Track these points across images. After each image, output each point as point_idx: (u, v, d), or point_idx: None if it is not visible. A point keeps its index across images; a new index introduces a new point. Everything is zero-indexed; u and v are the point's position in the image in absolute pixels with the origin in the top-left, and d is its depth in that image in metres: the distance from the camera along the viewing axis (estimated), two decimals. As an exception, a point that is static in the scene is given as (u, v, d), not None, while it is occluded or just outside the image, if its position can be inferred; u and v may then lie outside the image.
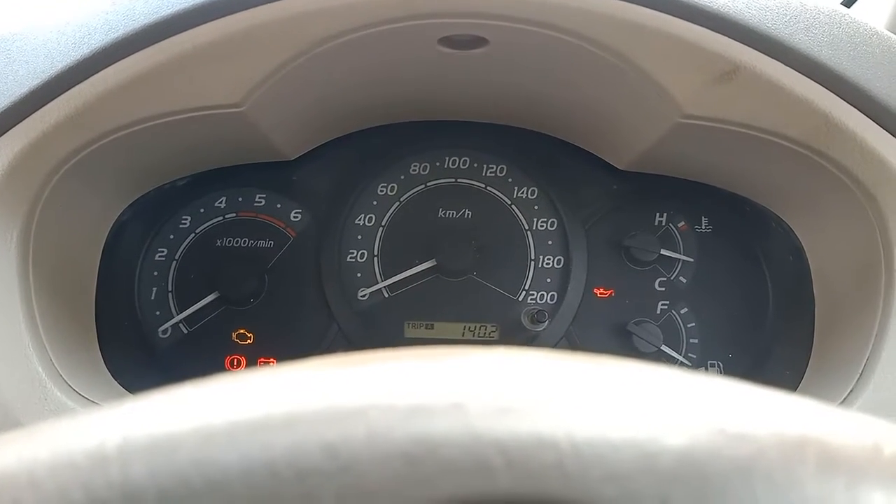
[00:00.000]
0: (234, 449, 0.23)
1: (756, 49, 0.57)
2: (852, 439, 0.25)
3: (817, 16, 0.59)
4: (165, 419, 0.25)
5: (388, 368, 0.27)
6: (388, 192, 0.88)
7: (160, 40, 0.58)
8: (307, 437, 0.23)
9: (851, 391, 0.63)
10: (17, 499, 0.23)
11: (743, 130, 0.63)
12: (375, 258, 0.87)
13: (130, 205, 0.80)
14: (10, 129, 0.61)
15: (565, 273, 0.86)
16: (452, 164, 0.88)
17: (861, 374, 0.63)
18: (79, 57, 0.60)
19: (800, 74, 0.58)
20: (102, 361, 0.74)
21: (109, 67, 0.59)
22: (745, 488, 0.23)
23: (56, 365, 0.65)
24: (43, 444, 0.25)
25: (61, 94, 0.61)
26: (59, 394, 0.63)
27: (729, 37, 0.56)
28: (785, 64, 0.57)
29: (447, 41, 0.63)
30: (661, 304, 0.85)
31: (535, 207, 0.87)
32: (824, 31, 0.59)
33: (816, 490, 0.23)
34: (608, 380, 0.27)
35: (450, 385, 0.26)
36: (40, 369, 0.63)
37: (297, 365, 0.28)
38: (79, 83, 0.60)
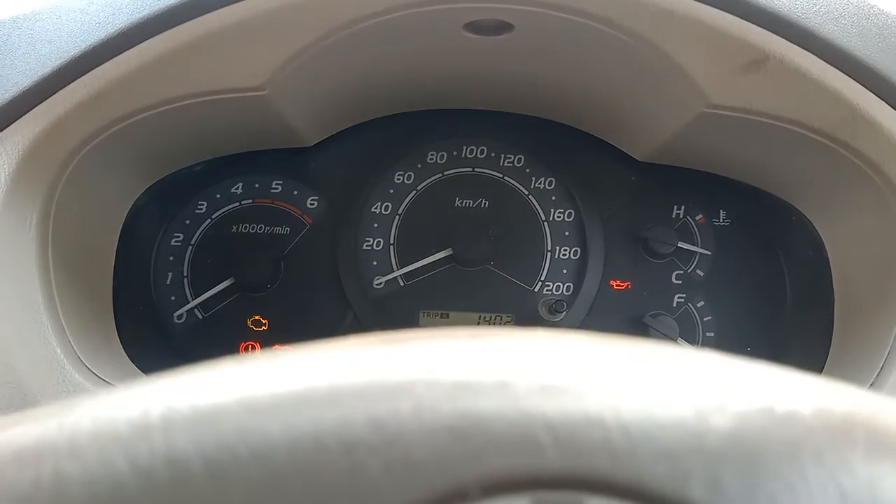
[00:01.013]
0: (280, 420, 0.23)
1: (785, 38, 0.56)
2: (900, 422, 0.25)
3: (846, 6, 0.59)
4: (209, 391, 0.24)
5: (431, 345, 0.26)
6: (406, 181, 0.88)
7: (185, 21, 0.58)
8: (354, 411, 0.23)
9: (871, 385, 0.63)
10: (59, 467, 0.23)
11: (768, 121, 0.62)
12: (391, 246, 0.87)
13: (147, 189, 0.80)
14: (32, 109, 0.61)
15: (582, 264, 0.85)
16: (470, 154, 0.88)
17: (881, 369, 0.63)
18: (103, 37, 0.59)
19: (828, 65, 0.57)
20: (120, 344, 0.74)
21: (133, 48, 0.59)
22: (794, 468, 0.23)
23: (74, 347, 0.65)
24: (84, 413, 0.24)
25: (84, 74, 0.60)
26: (77, 375, 0.63)
27: (758, 25, 0.56)
28: (813, 54, 0.57)
29: (472, 27, 0.63)
30: (678, 297, 0.85)
31: (553, 198, 0.87)
32: (853, 21, 0.58)
33: (866, 471, 0.23)
34: (652, 361, 0.27)
35: (495, 362, 0.25)
36: (59, 351, 0.62)
37: (337, 342, 0.28)
38: (102, 64, 0.60)
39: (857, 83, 0.58)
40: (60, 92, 0.61)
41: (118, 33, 0.59)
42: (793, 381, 0.26)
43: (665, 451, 0.23)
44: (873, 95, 0.59)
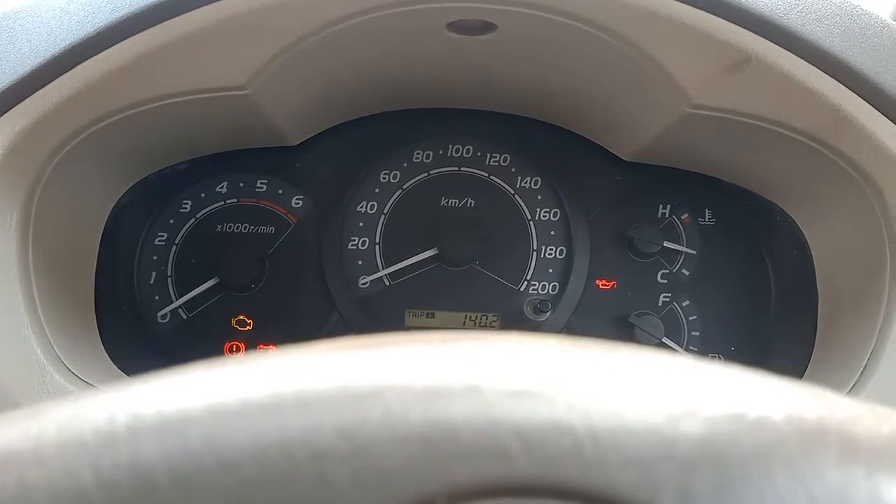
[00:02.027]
0: (247, 429, 0.23)
1: (768, 39, 0.56)
2: (872, 427, 0.25)
3: (829, 6, 0.59)
4: (175, 398, 0.24)
5: (402, 351, 0.26)
6: (391, 180, 0.87)
7: (165, 20, 0.57)
8: (321, 419, 0.23)
9: (855, 385, 0.63)
10: (23, 476, 0.22)
11: (751, 122, 0.62)
12: (377, 246, 0.86)
13: (130, 188, 0.80)
14: (12, 108, 0.61)
15: (567, 264, 0.85)
16: (456, 153, 0.88)
17: (864, 368, 0.63)
18: (82, 36, 0.59)
19: (811, 66, 0.57)
20: (102, 345, 0.74)
21: (113, 47, 0.59)
22: (765, 475, 0.23)
23: (55, 348, 0.64)
24: (50, 421, 0.24)
25: (64, 73, 0.60)
26: (57, 377, 0.62)
27: (741, 26, 0.55)
28: (796, 55, 0.57)
29: (455, 26, 0.63)
30: (664, 297, 0.85)
31: (539, 197, 0.87)
32: (836, 22, 0.58)
33: (837, 478, 0.23)
34: (624, 366, 0.27)
35: (465, 368, 0.25)
36: (39, 352, 0.62)
37: (308, 346, 0.28)
38: (82, 62, 0.59)
39: (840, 84, 0.58)
40: (40, 91, 0.60)
41: (98, 32, 0.59)
42: (766, 386, 0.26)
43: (635, 458, 0.22)
44: (856, 96, 0.59)
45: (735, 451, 0.23)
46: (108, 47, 0.59)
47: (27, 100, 0.61)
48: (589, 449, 0.22)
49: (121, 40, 0.58)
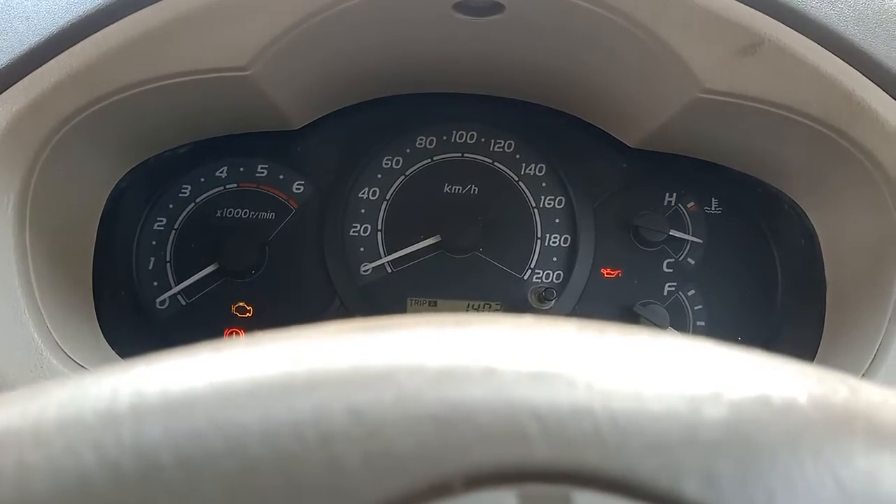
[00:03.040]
0: (255, 409, 0.22)
1: (781, 22, 0.55)
2: (899, 413, 0.24)
3: (844, -10, 0.58)
4: (180, 378, 0.23)
5: (414, 332, 0.25)
6: (394, 166, 0.86)
7: (166, -2, 0.56)
8: (332, 399, 0.22)
9: (864, 375, 0.62)
10: (22, 457, 0.21)
11: (762, 107, 0.61)
12: (379, 233, 0.85)
13: (129, 172, 0.79)
14: (9, 87, 0.60)
15: (572, 252, 0.85)
16: (459, 139, 0.87)
17: (874, 358, 0.63)
18: (81, 13, 0.58)
19: (824, 50, 0.56)
20: (100, 330, 0.73)
21: (112, 25, 0.58)
22: (793, 461, 0.22)
23: (52, 332, 0.63)
24: (50, 401, 0.23)
25: (62, 52, 0.59)
26: (54, 361, 0.61)
27: (754, 8, 0.54)
28: (810, 38, 0.56)
29: (462, 7, 0.62)
30: (669, 286, 0.84)
31: (543, 184, 0.86)
32: (850, 5, 0.57)
33: (865, 463, 0.22)
34: (643, 349, 0.26)
35: (480, 350, 0.24)
36: (36, 336, 0.61)
37: (317, 327, 0.27)
38: (81, 41, 0.58)
39: (853, 69, 0.57)
40: (38, 70, 0.59)
41: (97, 10, 0.58)
42: (789, 370, 0.26)
43: (657, 444, 0.22)
44: (869, 82, 0.58)
45: (761, 437, 0.22)
46: (107, 25, 0.58)
47: (25, 79, 0.60)
48: (609, 433, 0.22)
49: (120, 18, 0.57)
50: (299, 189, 0.86)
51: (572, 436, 0.22)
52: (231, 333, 0.84)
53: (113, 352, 0.72)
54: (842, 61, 0.57)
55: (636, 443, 0.22)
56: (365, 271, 0.85)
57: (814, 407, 0.24)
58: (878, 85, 0.58)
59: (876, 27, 0.58)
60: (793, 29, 0.56)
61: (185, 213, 0.85)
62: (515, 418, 0.22)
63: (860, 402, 0.24)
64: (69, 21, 0.58)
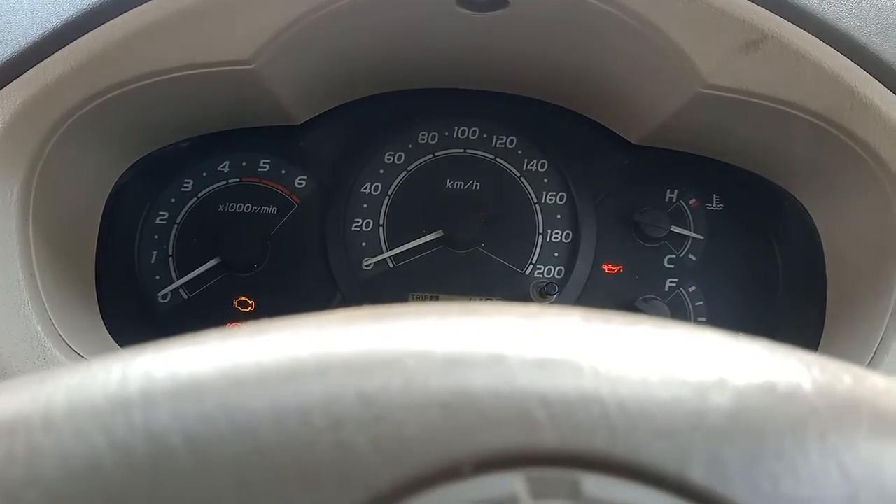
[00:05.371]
0: (265, 394, 0.22)
1: (784, 17, 0.55)
2: (903, 401, 0.24)
3: (846, -14, 0.58)
4: (189, 363, 0.23)
5: (421, 319, 0.26)
6: (396, 161, 0.86)
7: (170, -9, 0.57)
8: (341, 385, 0.22)
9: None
10: (32, 440, 0.22)
11: (764, 103, 0.61)
12: (381, 227, 0.85)
13: (132, 166, 0.79)
14: (13, 80, 0.60)
15: (573, 247, 0.85)
16: (461, 134, 0.87)
17: (874, 355, 0.63)
18: (85, 7, 0.58)
19: (827, 46, 0.57)
20: (103, 323, 0.73)
21: (117, 18, 0.58)
22: (798, 448, 0.22)
23: (55, 324, 0.63)
24: (58, 386, 0.23)
25: (66, 45, 0.59)
26: (57, 353, 0.61)
27: (757, 4, 0.55)
28: (812, 34, 0.56)
29: (466, 2, 0.62)
30: (670, 282, 0.84)
31: (545, 180, 0.86)
32: (853, 1, 0.58)
33: (869, 450, 0.22)
34: (648, 337, 0.26)
35: (486, 337, 0.25)
36: (39, 328, 0.61)
37: (325, 315, 0.27)
38: (85, 34, 0.58)
39: (855, 65, 0.57)
40: (42, 63, 0.59)
41: (101, 3, 0.58)
42: (793, 358, 0.26)
43: (664, 429, 0.22)
44: (872, 78, 0.58)
45: (766, 424, 0.22)
46: (111, 18, 0.58)
47: (28, 72, 0.60)
48: (617, 419, 0.22)
49: (125, 11, 0.57)
50: (301, 184, 0.86)
51: (581, 421, 0.22)
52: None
53: (116, 345, 0.72)
54: (844, 57, 0.57)
55: (644, 428, 0.22)
56: (367, 266, 0.85)
57: (818, 394, 0.24)
58: (880, 81, 0.58)
59: (878, 23, 0.58)
60: (795, 25, 0.56)
61: (187, 208, 0.85)
62: (524, 404, 0.22)
63: (864, 390, 0.25)
64: (73, 14, 0.58)
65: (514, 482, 0.21)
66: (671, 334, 0.26)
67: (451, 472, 0.21)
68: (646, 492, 0.21)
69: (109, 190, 0.76)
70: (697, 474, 0.21)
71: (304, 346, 0.24)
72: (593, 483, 0.21)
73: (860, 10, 0.58)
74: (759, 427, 0.22)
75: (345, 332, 0.25)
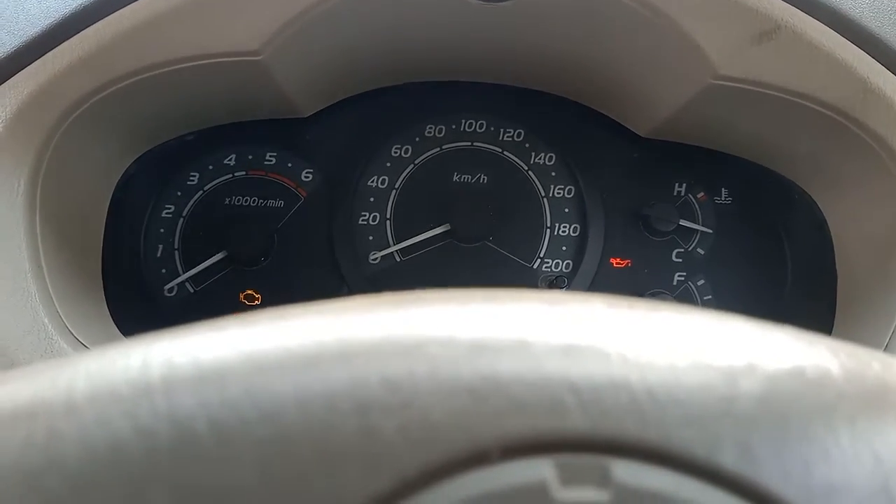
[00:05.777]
0: (289, 379, 0.22)
1: (798, 7, 0.55)
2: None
3: (860, -24, 0.58)
4: (211, 348, 0.23)
5: (446, 304, 0.25)
6: (403, 154, 0.86)
7: (179, -20, 0.56)
8: (367, 370, 0.22)
9: (875, 364, 0.62)
10: (53, 425, 0.21)
11: (776, 94, 0.61)
12: (388, 221, 0.85)
13: (138, 158, 0.78)
14: (20, 70, 0.59)
15: (581, 241, 0.84)
16: (469, 128, 0.86)
17: (885, 349, 0.62)
18: (93, -4, 0.57)
19: (840, 37, 0.56)
20: (109, 315, 0.73)
21: (125, 8, 0.57)
22: (829, 434, 0.22)
23: (62, 317, 0.63)
24: (78, 371, 0.23)
25: (74, 35, 0.58)
26: (65, 345, 0.61)
27: (771, -7, 0.54)
28: (826, 24, 0.56)
29: (476, -8, 0.61)
30: (679, 276, 0.84)
31: (553, 174, 0.86)
32: (867, -8, 0.57)
33: (900, 436, 0.22)
34: (674, 324, 0.26)
35: (513, 322, 0.24)
36: (46, 321, 0.61)
37: (346, 300, 0.27)
38: (93, 24, 0.58)
39: (870, 57, 0.57)
40: (50, 53, 0.59)
41: (110, -8, 0.57)
42: (821, 344, 0.26)
43: (694, 415, 0.22)
44: (885, 70, 0.57)
45: (796, 410, 0.22)
46: (120, 8, 0.57)
47: (36, 62, 0.59)
48: (647, 405, 0.22)
49: (133, 1, 0.57)
50: (308, 177, 0.86)
51: (610, 407, 0.21)
52: (239, 322, 0.84)
53: (123, 338, 0.72)
54: (857, 48, 0.57)
55: (674, 414, 0.21)
56: (373, 260, 0.85)
57: (847, 380, 0.23)
58: (893, 73, 0.58)
59: (892, 14, 0.58)
60: (809, 15, 0.55)
61: (193, 201, 0.85)
62: (552, 390, 0.22)
63: (893, 376, 0.24)
64: (81, 4, 0.58)
65: (543, 468, 0.20)
66: (697, 321, 0.26)
67: (479, 458, 0.20)
68: (676, 478, 0.21)
69: (116, 182, 0.76)
70: (728, 460, 0.21)
71: (328, 331, 0.24)
72: (623, 469, 0.21)
73: (873, 1, 0.57)
74: (789, 412, 0.22)
75: (367, 317, 0.24)
